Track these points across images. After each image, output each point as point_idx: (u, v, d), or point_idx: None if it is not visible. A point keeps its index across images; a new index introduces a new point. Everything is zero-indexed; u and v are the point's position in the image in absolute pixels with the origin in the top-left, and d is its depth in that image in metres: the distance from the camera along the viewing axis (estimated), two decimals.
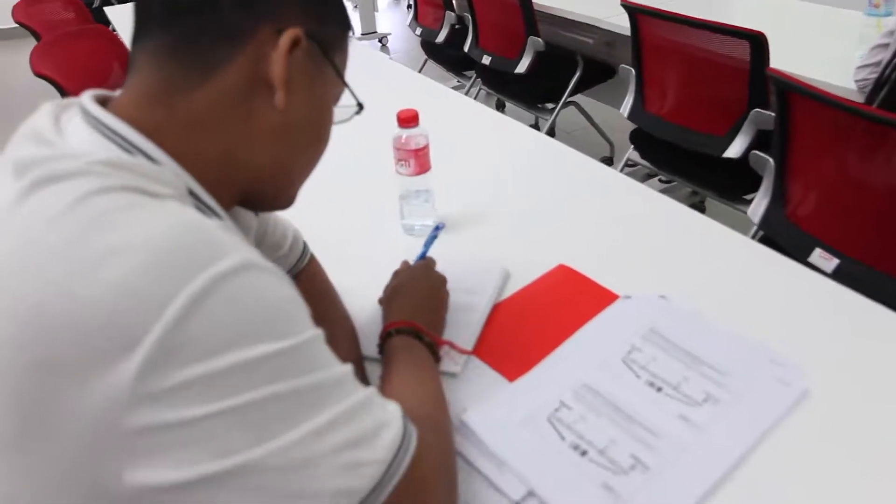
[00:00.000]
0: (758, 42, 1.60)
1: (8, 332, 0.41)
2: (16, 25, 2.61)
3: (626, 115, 2.07)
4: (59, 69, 1.78)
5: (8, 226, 0.44)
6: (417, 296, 0.78)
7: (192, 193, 0.49)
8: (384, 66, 2.03)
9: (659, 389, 0.70)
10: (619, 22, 2.16)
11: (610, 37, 2.35)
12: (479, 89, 2.99)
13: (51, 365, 0.39)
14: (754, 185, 1.57)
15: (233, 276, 0.42)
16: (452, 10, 2.95)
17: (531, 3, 2.40)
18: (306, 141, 0.58)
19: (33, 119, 0.50)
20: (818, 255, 1.33)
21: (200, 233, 0.43)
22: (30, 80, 1.80)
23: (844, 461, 0.63)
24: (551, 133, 2.91)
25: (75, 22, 2.75)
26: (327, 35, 0.55)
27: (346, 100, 0.62)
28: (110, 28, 2.56)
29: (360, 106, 0.62)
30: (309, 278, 0.82)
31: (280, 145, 0.55)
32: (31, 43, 1.98)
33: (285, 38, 0.51)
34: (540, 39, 2.44)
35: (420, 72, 2.06)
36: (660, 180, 2.52)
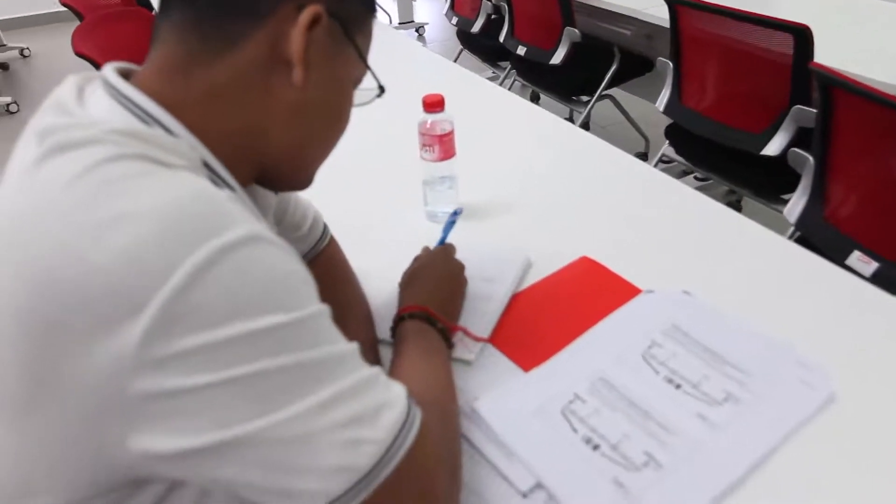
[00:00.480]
0: (802, 35, 1.55)
1: (18, 294, 0.41)
2: (63, 9, 2.68)
3: (661, 109, 2.03)
4: (99, 49, 1.81)
5: (25, 190, 0.45)
6: (433, 281, 0.78)
7: (207, 166, 0.50)
8: (417, 53, 2.03)
9: (678, 386, 0.68)
10: (659, 13, 2.11)
11: (649, 29, 2.30)
12: (514, 80, 2.96)
13: (58, 328, 0.40)
14: (793, 185, 1.52)
15: (240, 247, 0.42)
16: (489, 0, 2.92)
17: None
18: (324, 121, 0.58)
19: (58, 90, 0.51)
20: (856, 258, 1.29)
21: (209, 203, 0.43)
22: (74, 62, 1.84)
23: (869, 469, 0.61)
24: (585, 126, 2.86)
25: (120, 5, 2.80)
26: (349, 14, 0.55)
27: (368, 82, 0.61)
28: (153, 12, 2.60)
29: (382, 89, 0.61)
30: (328, 260, 0.82)
31: (297, 123, 0.55)
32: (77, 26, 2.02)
33: (305, 15, 0.50)
34: (576, 30, 2.40)
35: (455, 62, 2.04)
36: (695, 177, 2.47)
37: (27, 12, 5.27)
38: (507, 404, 0.68)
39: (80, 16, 2.54)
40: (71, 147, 0.44)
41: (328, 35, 0.53)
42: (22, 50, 4.63)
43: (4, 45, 4.57)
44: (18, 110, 3.68)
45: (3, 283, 0.42)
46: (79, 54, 1.80)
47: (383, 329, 0.77)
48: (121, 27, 2.09)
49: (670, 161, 2.15)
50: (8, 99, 3.69)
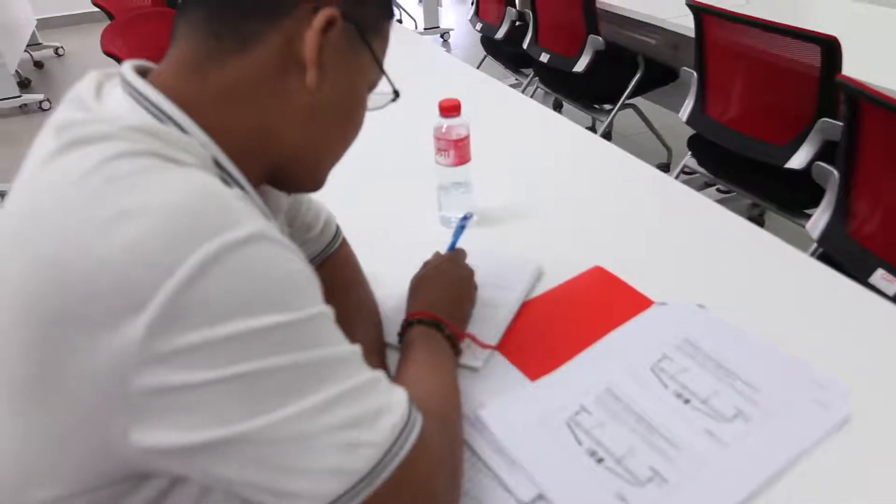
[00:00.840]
0: (830, 47, 1.52)
1: (28, 286, 0.42)
2: (96, 9, 2.74)
3: (685, 119, 2.00)
4: (128, 48, 1.85)
5: (39, 182, 0.46)
6: (442, 287, 0.77)
7: (218, 164, 0.50)
8: (439, 58, 2.03)
9: (686, 401, 0.67)
10: (685, 23, 2.09)
11: (674, 38, 2.28)
12: (537, 88, 2.95)
13: (64, 319, 0.40)
14: (817, 200, 1.49)
15: (244, 245, 0.42)
16: (514, 7, 2.92)
17: (593, 0, 2.35)
18: (336, 123, 0.58)
19: (78, 85, 0.51)
20: (880, 277, 1.26)
21: (216, 200, 0.43)
22: (106, 60, 1.87)
23: (884, 493, 0.59)
24: (608, 135, 2.84)
25: (149, 6, 2.85)
26: (365, 18, 0.55)
27: (383, 86, 0.61)
28: None
29: (396, 93, 0.61)
30: (339, 262, 0.82)
31: (309, 125, 0.55)
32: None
33: (320, 17, 0.50)
34: (600, 38, 2.39)
35: (478, 68, 2.03)
36: (718, 190, 2.44)
37: (62, 12, 5.39)
38: (512, 413, 0.67)
39: (111, 16, 2.59)
40: (85, 142, 0.45)
41: (343, 38, 0.53)
42: (56, 49, 4.73)
43: (40, 44, 4.68)
44: (51, 107, 3.76)
45: (15, 274, 0.43)
46: (107, 53, 1.83)
47: (392, 333, 0.77)
48: (149, 27, 2.13)
49: (693, 172, 2.13)
50: (41, 96, 3.78)
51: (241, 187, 0.52)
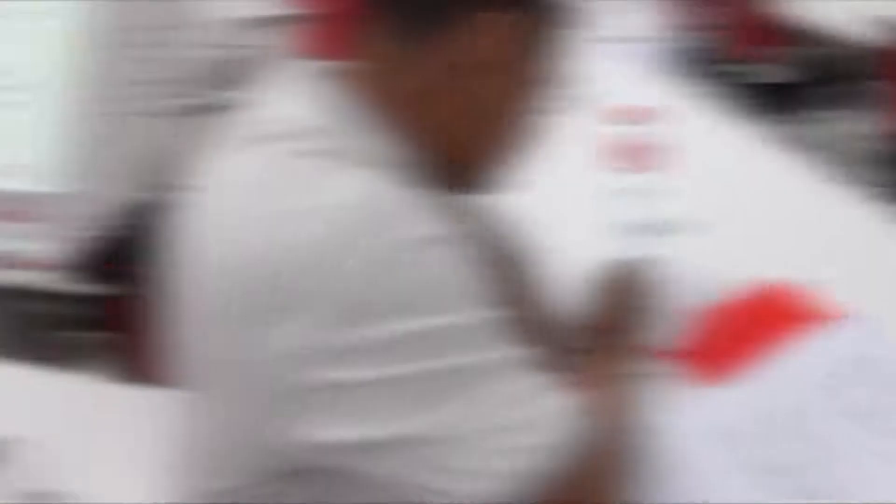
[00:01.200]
0: None
1: (201, 280, 0.46)
2: (295, 10, 3.00)
3: (872, 133, 1.86)
4: (321, 49, 2.03)
5: (213, 180, 0.49)
6: (621, 300, 0.75)
7: (395, 165, 0.51)
8: (627, 65, 1.99)
9: (861, 421, 0.66)
10: (876, 38, 1.93)
11: (866, 52, 2.11)
12: (724, 97, 2.83)
13: (232, 315, 0.44)
14: None
15: (412, 247, 0.43)
16: (704, 17, 2.82)
17: (785, 13, 2.24)
18: (508, 126, 0.57)
19: (264, 85, 0.55)
20: None
21: (388, 201, 0.44)
22: (296, 61, 2.07)
23: None
24: (794, 147, 2.68)
25: (343, 9, 3.08)
26: (547, 24, 0.54)
27: (562, 90, 0.60)
28: None
29: (574, 101, 0.61)
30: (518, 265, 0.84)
31: (483, 128, 0.55)
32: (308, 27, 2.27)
33: (500, 22, 0.50)
34: (791, 50, 2.27)
35: (671, 76, 2.01)
36: None
37: (257, 12, 5.94)
38: (678, 423, 0.67)
39: (306, 17, 2.83)
40: (262, 141, 0.47)
41: (524, 43, 0.53)
42: (248, 48, 5.20)
43: (230, 44, 5.16)
44: (241, 107, 4.14)
45: (194, 271, 0.49)
46: (302, 54, 2.02)
47: (563, 338, 0.75)
48: (342, 28, 2.30)
49: (880, 186, 1.96)
50: (234, 95, 4.18)
51: (420, 188, 0.50)
